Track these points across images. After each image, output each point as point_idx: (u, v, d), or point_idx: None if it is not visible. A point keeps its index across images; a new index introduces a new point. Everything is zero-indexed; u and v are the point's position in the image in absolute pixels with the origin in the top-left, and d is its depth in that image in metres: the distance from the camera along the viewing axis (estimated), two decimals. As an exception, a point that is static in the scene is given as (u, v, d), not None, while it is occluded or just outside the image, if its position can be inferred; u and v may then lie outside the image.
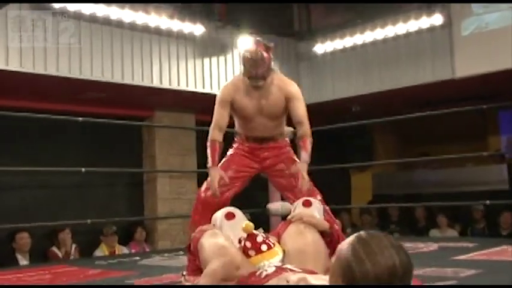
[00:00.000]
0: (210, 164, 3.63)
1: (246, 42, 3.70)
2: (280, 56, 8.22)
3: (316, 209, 3.17)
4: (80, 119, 5.74)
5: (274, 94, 3.58)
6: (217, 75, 7.43)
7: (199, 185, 3.84)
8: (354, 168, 10.05)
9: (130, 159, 7.88)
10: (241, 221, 2.88)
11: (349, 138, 9.83)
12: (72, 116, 5.97)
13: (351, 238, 1.50)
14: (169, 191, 8.04)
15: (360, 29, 7.75)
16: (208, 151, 3.67)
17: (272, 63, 3.57)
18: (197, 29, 7.03)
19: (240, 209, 3.11)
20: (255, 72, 3.46)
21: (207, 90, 7.31)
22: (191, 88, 7.18)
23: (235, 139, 3.90)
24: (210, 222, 3.05)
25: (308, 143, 3.61)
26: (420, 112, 6.60)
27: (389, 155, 10.15)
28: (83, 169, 5.95)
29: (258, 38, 3.58)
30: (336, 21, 8.17)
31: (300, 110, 3.61)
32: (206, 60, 7.34)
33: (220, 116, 3.63)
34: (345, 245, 1.49)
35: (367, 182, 10.12)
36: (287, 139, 3.90)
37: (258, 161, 3.77)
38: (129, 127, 7.68)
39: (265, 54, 3.46)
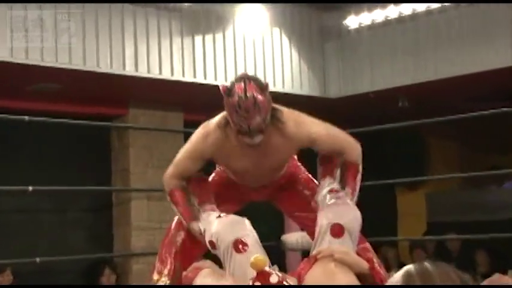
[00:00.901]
0: (184, 221, 3.64)
1: (233, 85, 3.26)
2: (299, 34, 8.23)
3: (351, 239, 3.18)
4: (26, 118, 5.76)
5: (280, 146, 3.41)
6: (212, 59, 7.45)
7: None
8: (401, 185, 10.01)
9: (95, 173, 7.89)
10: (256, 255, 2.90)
11: (394, 145, 9.80)
12: (16, 114, 5.98)
13: (408, 266, 1.51)
14: (148, 217, 8.03)
15: (409, -6, 7.76)
16: (174, 207, 3.68)
17: (270, 106, 3.32)
18: (185, -5, 7.07)
19: None
20: (247, 125, 3.20)
21: (199, 79, 7.33)
22: (177, 77, 7.20)
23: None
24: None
25: (356, 173, 3.55)
26: (493, 109, 6.57)
27: (450, 168, 10.10)
28: (30, 188, 5.95)
29: (245, 74, 3.35)
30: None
31: (336, 143, 3.51)
32: (198, 39, 7.35)
33: (185, 168, 3.60)
34: (399, 273, 1.50)
35: (419, 205, 10.07)
36: None
37: (253, 192, 3.77)
38: (93, 129, 7.70)
39: (260, 98, 3.19)
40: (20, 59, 6.19)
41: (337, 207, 3.33)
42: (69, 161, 7.71)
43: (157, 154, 8.15)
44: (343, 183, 3.57)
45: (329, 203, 3.38)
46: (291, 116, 3.43)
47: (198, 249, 3.62)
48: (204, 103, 7.95)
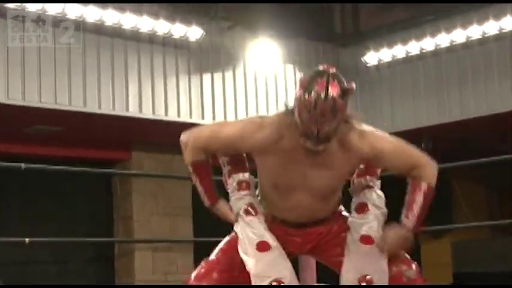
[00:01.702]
0: (208, 202, 3.37)
1: (311, 76, 2.97)
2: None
3: None
4: (23, 165, 5.74)
5: (338, 158, 3.14)
6: (222, 98, 7.45)
7: (197, 260, 3.75)
8: (425, 233, 9.93)
9: (96, 223, 7.85)
10: None
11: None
12: (12, 160, 5.97)
13: None
14: (153, 269, 7.97)
15: (431, 30, 7.74)
16: (195, 180, 3.37)
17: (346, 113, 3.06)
18: (193, 32, 7.06)
19: None
20: (317, 129, 2.96)
21: (207, 121, 7.28)
22: (184, 118, 7.19)
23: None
24: None
25: (422, 192, 3.19)
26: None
27: (478, 214, 10.02)
28: (27, 239, 5.91)
29: (328, 69, 2.99)
30: (394, 18, 8.16)
31: (407, 156, 3.21)
32: (206, 78, 7.35)
33: (215, 147, 3.29)
34: None
35: (444, 255, 9.97)
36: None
37: (291, 243, 3.38)
38: (94, 176, 7.69)
39: (340, 102, 2.95)
40: (16, 100, 6.18)
41: (364, 257, 3.22)
42: (69, 209, 7.68)
43: (163, 201, 8.10)
44: (404, 207, 3.22)
45: (355, 249, 3.21)
46: (353, 125, 3.16)
47: None
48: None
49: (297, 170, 3.13)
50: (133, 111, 6.85)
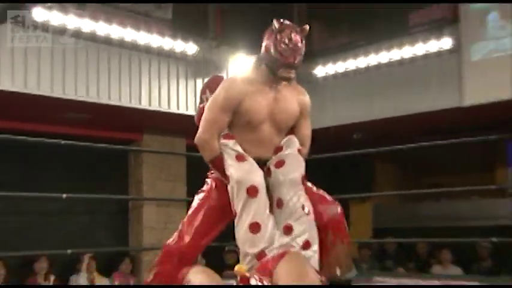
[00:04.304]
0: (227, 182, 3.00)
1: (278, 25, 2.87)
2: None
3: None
4: (62, 141, 5.56)
5: (290, 99, 2.98)
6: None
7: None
8: (353, 199, 9.89)
9: (115, 184, 7.69)
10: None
11: (349, 167, 9.68)
12: (53, 138, 5.79)
13: None
14: (157, 220, 7.88)
15: (364, 51, 7.62)
16: (216, 171, 3.03)
17: None
18: (190, 47, 6.89)
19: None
20: (294, 59, 2.82)
21: (199, 113, 7.17)
22: (182, 110, 7.04)
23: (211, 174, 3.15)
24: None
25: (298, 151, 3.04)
26: (426, 141, 6.42)
27: (392, 186, 10.00)
28: (64, 195, 5.72)
29: (288, 23, 2.90)
30: (338, 42, 8.06)
31: (307, 130, 3.10)
32: (199, 81, 7.18)
33: (222, 123, 2.95)
34: None
35: (367, 214, 9.95)
36: None
37: None
38: (115, 151, 7.52)
39: (303, 39, 2.90)
40: (58, 93, 6.03)
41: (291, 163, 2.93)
42: (95, 175, 7.53)
43: (165, 171, 8.03)
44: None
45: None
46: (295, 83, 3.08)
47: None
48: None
49: (264, 103, 2.92)
50: (144, 104, 6.72)
